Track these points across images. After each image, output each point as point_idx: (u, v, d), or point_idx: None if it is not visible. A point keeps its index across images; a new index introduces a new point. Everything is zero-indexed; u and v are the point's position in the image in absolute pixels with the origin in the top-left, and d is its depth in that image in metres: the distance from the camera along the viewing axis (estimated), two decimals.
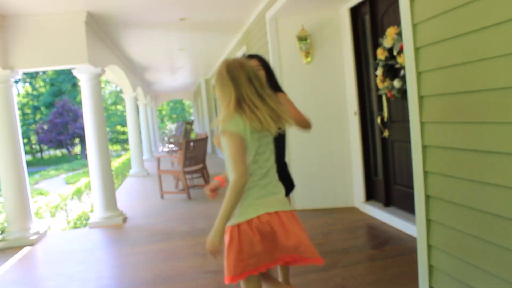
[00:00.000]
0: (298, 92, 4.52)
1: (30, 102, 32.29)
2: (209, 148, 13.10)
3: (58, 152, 35.16)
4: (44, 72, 31.62)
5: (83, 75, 4.75)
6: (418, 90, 2.08)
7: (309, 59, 4.39)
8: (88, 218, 5.84)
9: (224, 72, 1.65)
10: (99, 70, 4.81)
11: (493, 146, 1.67)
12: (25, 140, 30.99)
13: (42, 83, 32.75)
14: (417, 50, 2.06)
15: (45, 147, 32.75)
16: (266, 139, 1.68)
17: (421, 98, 2.08)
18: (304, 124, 2.17)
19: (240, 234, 1.60)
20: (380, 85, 3.58)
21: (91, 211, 6.88)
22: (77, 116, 29.10)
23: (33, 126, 31.38)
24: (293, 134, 4.59)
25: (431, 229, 2.12)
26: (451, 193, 1.94)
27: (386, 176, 3.98)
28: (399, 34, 3.17)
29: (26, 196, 4.44)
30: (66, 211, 7.21)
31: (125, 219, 5.02)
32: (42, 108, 32.11)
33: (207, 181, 6.79)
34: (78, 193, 8.33)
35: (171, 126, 36.49)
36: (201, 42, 7.06)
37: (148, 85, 13.26)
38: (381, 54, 3.48)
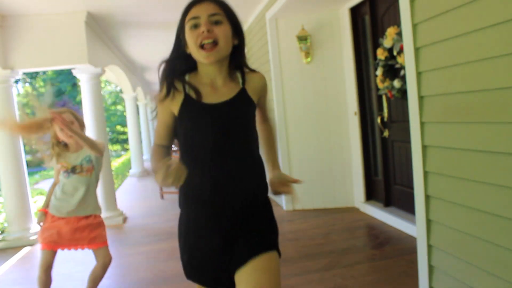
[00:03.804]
0: (298, 92, 4.52)
1: (30, 102, 32.28)
2: None
3: None
4: (44, 72, 31.62)
5: (83, 75, 4.75)
6: (418, 90, 2.08)
7: (309, 59, 4.39)
8: None
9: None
10: (99, 70, 4.81)
11: (493, 146, 1.67)
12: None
13: (42, 83, 32.77)
14: (417, 50, 2.06)
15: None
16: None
17: (421, 98, 2.08)
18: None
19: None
20: (380, 85, 3.58)
21: None
22: None
23: None
24: (293, 135, 4.59)
25: (431, 229, 2.12)
26: (451, 193, 1.94)
27: (386, 176, 3.98)
28: (399, 34, 3.17)
29: (26, 196, 4.44)
30: None
31: (125, 219, 5.02)
32: None
33: None
34: None
35: None
36: None
37: (148, 85, 13.25)
38: (381, 54, 3.48)
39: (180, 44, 1.29)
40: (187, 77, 1.30)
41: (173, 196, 6.37)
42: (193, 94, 1.27)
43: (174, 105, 1.27)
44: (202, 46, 1.21)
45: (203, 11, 1.22)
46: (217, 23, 1.23)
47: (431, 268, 2.16)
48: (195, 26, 1.23)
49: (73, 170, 2.40)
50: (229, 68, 1.32)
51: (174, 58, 1.31)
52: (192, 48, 1.24)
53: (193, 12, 1.24)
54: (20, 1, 3.85)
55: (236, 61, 1.32)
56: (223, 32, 1.22)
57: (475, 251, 1.82)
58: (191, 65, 1.31)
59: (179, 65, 1.29)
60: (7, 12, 4.10)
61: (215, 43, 1.21)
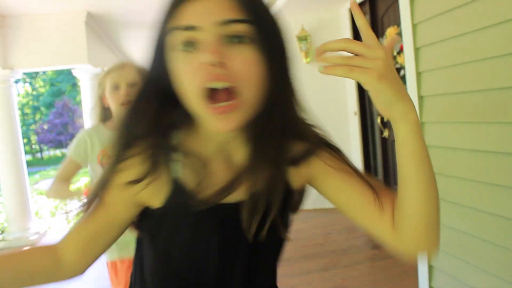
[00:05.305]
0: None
1: (30, 102, 32.30)
2: None
3: (58, 152, 35.20)
4: (44, 72, 31.65)
5: (83, 75, 4.76)
6: (418, 90, 2.08)
7: (309, 59, 4.39)
8: None
9: None
10: (99, 70, 4.81)
11: (493, 146, 1.67)
12: (25, 140, 31.01)
13: (42, 83, 32.77)
14: (417, 50, 2.06)
15: (45, 147, 32.78)
16: None
17: (421, 98, 2.08)
18: None
19: None
20: None
21: None
22: (77, 116, 29.16)
23: (33, 126, 31.40)
24: None
25: None
26: (451, 193, 1.94)
27: (386, 176, 3.98)
28: (399, 34, 3.17)
29: (26, 196, 4.44)
30: (66, 211, 7.20)
31: None
32: (42, 108, 32.13)
33: None
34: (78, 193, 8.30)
35: None
36: None
37: None
38: None
39: (162, 68, 0.60)
40: (175, 141, 0.65)
41: None
42: (188, 181, 0.64)
43: (149, 196, 0.65)
44: (210, 95, 0.56)
45: (208, 14, 0.55)
46: (238, 40, 0.57)
47: (431, 268, 2.16)
48: (190, 46, 0.56)
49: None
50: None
51: (151, 98, 0.63)
52: (188, 93, 0.58)
53: (186, 12, 0.56)
54: (20, 1, 3.85)
55: (274, 123, 0.66)
56: (250, 65, 0.58)
57: (475, 251, 1.82)
58: (182, 112, 0.62)
59: (159, 115, 0.63)
60: (7, 12, 4.09)
61: (232, 93, 0.56)
